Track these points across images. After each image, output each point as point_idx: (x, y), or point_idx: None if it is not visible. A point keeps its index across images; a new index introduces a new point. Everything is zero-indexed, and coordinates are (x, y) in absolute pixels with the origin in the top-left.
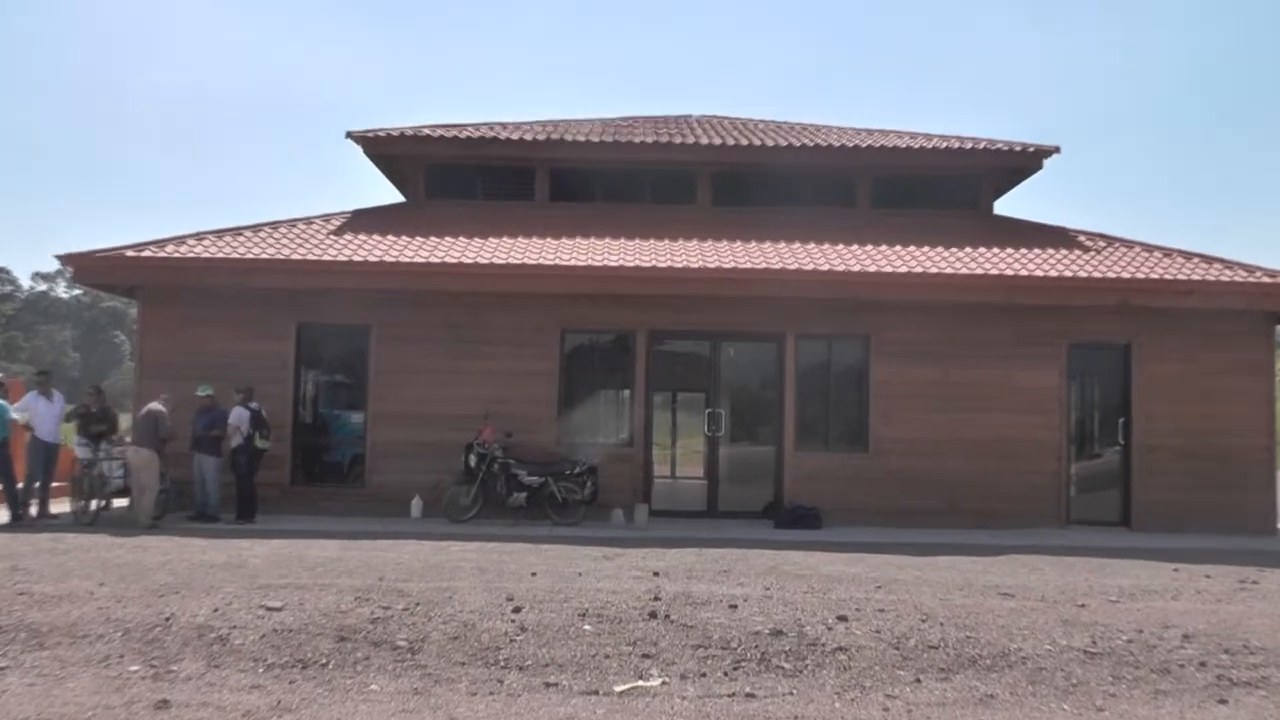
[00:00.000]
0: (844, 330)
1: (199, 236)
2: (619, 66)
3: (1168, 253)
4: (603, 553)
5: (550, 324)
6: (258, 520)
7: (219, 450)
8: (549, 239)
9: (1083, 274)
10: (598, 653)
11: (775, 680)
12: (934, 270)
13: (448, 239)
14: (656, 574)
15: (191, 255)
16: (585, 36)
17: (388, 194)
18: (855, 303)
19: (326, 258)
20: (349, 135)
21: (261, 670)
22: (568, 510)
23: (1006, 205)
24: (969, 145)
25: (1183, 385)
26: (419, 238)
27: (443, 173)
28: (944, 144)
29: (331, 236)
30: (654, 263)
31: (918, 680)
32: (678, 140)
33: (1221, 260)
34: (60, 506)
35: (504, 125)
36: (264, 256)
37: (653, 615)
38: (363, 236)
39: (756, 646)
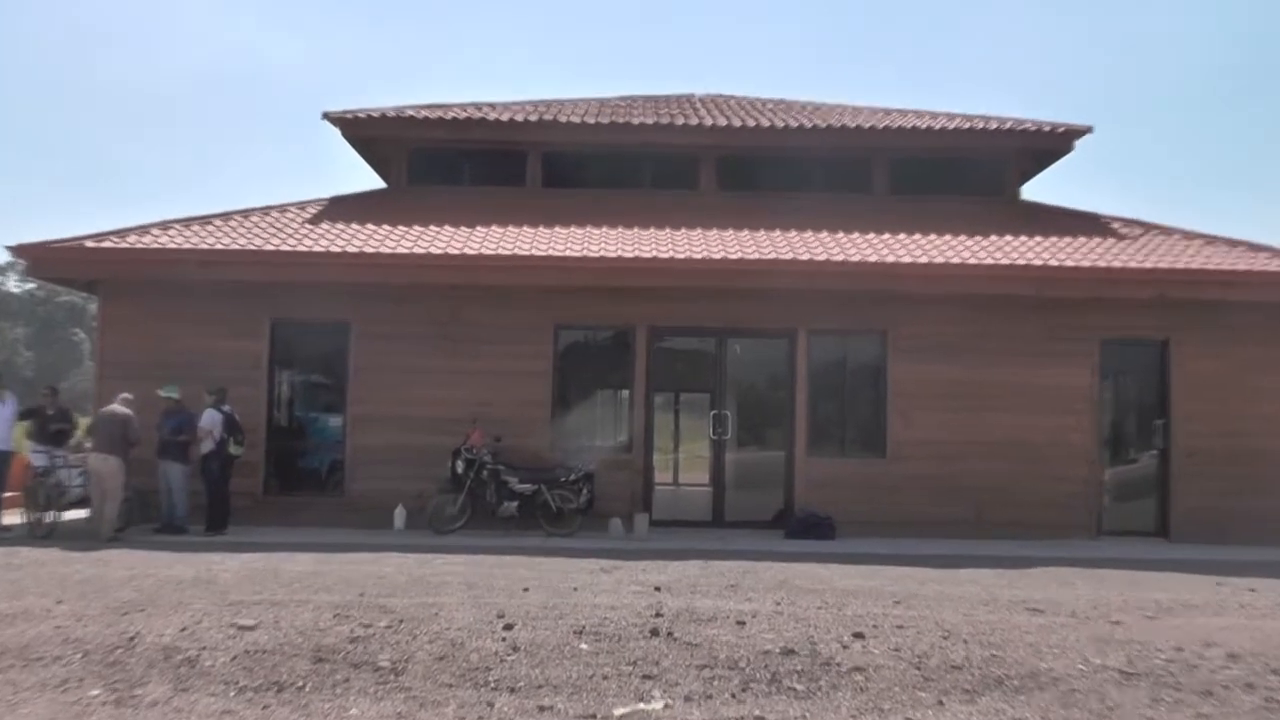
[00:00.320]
0: (859, 325)
1: (164, 226)
2: (616, 48)
3: (1209, 240)
4: (600, 565)
5: (543, 320)
6: (229, 532)
7: (186, 457)
8: (541, 228)
9: (1117, 264)
10: (595, 673)
11: (787, 703)
12: (956, 260)
13: (433, 228)
14: (658, 588)
15: (156, 246)
16: (582, 19)
17: (368, 180)
18: (871, 296)
19: (302, 249)
20: (326, 116)
21: (233, 694)
22: (562, 520)
23: (1034, 190)
24: (993, 125)
25: (1226, 384)
26: (402, 227)
27: (427, 157)
28: (966, 124)
29: (308, 226)
30: (654, 253)
31: (940, 703)
32: (680, 121)
33: (1269, 248)
34: (13, 518)
35: (493, 106)
36: (235, 247)
37: (654, 633)
38: (341, 226)
39: (766, 666)
